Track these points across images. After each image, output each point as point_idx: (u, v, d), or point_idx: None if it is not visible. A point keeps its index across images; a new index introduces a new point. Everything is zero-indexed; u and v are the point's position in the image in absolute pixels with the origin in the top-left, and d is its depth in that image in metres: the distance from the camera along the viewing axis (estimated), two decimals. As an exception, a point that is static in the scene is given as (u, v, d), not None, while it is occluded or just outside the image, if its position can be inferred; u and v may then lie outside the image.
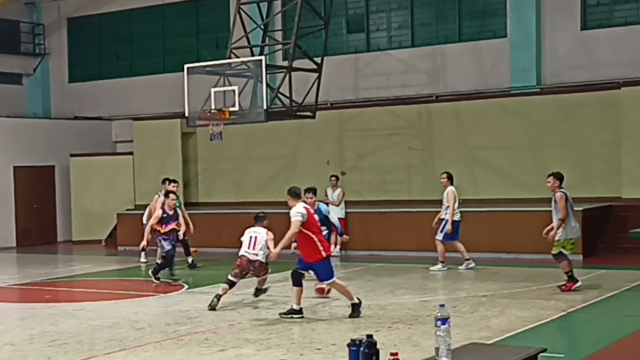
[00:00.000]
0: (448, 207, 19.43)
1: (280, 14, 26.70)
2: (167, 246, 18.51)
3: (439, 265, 19.36)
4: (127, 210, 28.27)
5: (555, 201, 15.82)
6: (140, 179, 28.69)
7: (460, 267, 19.54)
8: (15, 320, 14.87)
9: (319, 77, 22.24)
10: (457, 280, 17.77)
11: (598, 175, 23.04)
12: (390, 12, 27.86)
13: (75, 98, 33.51)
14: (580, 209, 21.07)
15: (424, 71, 26.88)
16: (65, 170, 30.10)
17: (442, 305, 7.80)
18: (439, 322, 7.58)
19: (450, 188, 19.59)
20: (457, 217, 19.48)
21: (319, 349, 11.50)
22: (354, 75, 27.88)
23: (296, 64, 22.00)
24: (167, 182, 20.88)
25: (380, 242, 22.48)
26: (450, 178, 19.72)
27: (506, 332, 12.23)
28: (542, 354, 8.11)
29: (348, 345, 7.81)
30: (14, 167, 29.17)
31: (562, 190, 15.81)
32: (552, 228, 15.89)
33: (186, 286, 18.15)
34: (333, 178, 23.77)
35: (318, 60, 22.32)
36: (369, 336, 7.68)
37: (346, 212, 23.61)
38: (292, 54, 21.62)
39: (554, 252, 15.97)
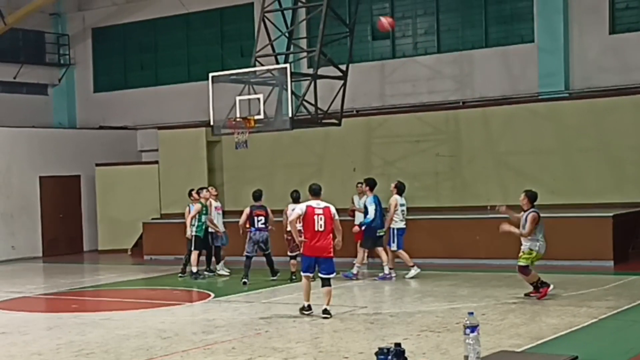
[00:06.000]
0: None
1: (304, 22, 26.62)
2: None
3: (413, 271, 19.61)
4: (152, 219, 28.23)
5: (525, 219, 15.75)
6: (166, 188, 28.67)
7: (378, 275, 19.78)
8: (42, 330, 14.84)
9: (344, 85, 22.14)
10: (486, 288, 17.59)
11: (630, 179, 22.74)
12: (415, 18, 27.73)
13: (101, 108, 33.60)
14: (611, 214, 20.90)
15: (450, 77, 26.72)
16: (90, 179, 30.15)
17: (471, 313, 7.69)
18: (468, 330, 7.48)
19: (394, 196, 19.82)
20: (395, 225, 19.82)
21: (346, 358, 11.37)
22: (379, 82, 27.76)
23: (321, 71, 21.91)
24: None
25: (407, 249, 22.23)
26: (395, 187, 19.98)
27: (536, 340, 12.06)
28: (574, 362, 7.98)
29: (376, 353, 7.71)
30: (40, 177, 29.22)
31: (534, 210, 15.77)
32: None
33: (213, 295, 18.08)
34: (360, 185, 23.62)
35: (343, 67, 22.21)
36: (397, 344, 7.58)
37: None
38: (317, 62, 21.52)
39: (522, 264, 15.80)
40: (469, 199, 24.36)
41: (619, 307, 14.72)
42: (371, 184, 20.09)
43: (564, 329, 12.90)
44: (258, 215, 19.77)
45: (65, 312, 16.51)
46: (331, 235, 14.73)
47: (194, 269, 20.96)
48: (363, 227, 19.87)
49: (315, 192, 15.00)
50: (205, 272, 21.64)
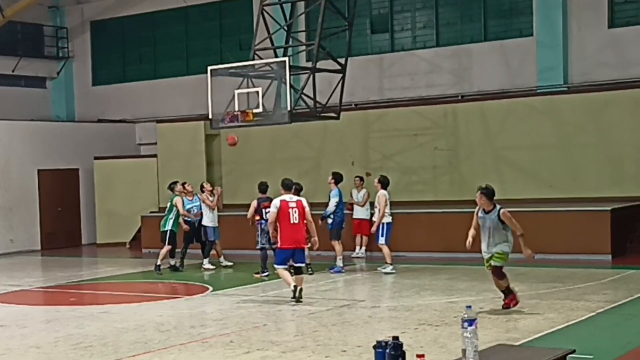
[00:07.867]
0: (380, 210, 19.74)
1: (303, 15, 26.55)
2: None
3: (390, 267, 19.61)
4: (151, 212, 28.19)
5: (498, 219, 13.53)
6: (165, 181, 28.45)
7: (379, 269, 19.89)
8: (41, 323, 14.85)
9: (343, 78, 22.10)
10: (484, 281, 17.54)
11: (628, 173, 22.73)
12: (414, 12, 27.69)
13: (99, 101, 33.55)
14: (609, 208, 20.90)
15: (449, 71, 26.68)
16: (89, 173, 30.13)
17: (469, 307, 7.68)
18: (465, 324, 7.46)
19: (382, 191, 19.79)
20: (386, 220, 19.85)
21: (344, 351, 11.39)
22: (378, 76, 27.73)
23: (320, 64, 21.86)
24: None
25: (405, 243, 22.31)
26: (380, 182, 20.01)
27: (534, 333, 12.09)
28: (570, 355, 7.97)
29: (374, 346, 7.70)
30: (39, 170, 29.20)
31: (503, 208, 13.63)
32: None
33: (211, 288, 18.09)
34: (357, 179, 23.62)
35: (342, 60, 22.16)
36: (395, 338, 7.57)
37: (371, 213, 23.47)
38: (316, 55, 21.48)
39: (498, 264, 13.82)
40: (467, 193, 24.21)
41: (616, 301, 14.73)
42: (337, 178, 20.66)
43: (562, 322, 12.92)
44: (266, 207, 19.70)
45: (64, 305, 16.51)
46: (305, 227, 15.64)
47: (158, 262, 21.02)
48: (329, 220, 20.37)
49: (288, 187, 15.89)
50: (204, 266, 21.68)
